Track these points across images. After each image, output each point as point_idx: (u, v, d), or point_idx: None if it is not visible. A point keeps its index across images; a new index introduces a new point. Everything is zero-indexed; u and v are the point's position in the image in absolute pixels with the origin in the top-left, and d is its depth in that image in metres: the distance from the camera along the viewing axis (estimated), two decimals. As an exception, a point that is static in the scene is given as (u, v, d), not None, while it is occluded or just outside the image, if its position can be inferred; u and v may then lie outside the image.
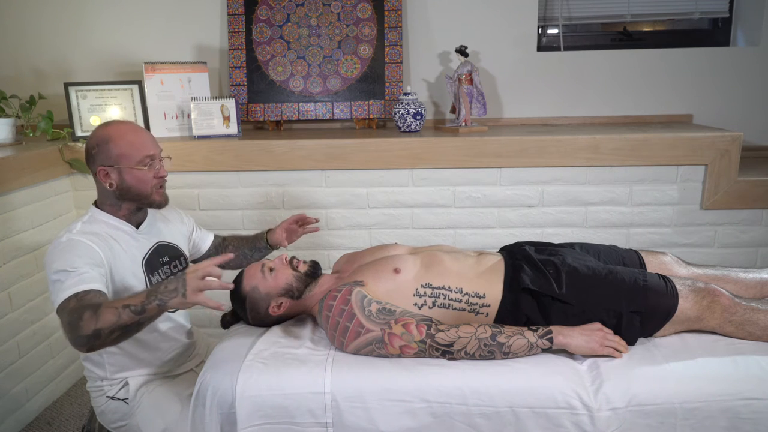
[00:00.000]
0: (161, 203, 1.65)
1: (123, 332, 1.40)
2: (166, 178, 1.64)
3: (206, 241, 1.94)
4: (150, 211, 1.72)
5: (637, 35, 2.94)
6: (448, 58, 2.76)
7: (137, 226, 1.66)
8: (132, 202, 1.61)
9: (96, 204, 1.64)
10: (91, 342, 1.38)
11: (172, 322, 1.72)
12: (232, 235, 2.05)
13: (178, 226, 1.82)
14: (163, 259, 1.71)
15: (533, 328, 1.46)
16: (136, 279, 1.61)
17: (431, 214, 2.46)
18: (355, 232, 2.49)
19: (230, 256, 1.41)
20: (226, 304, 1.50)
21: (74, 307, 1.39)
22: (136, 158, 1.57)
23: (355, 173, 2.43)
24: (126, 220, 1.63)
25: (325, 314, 1.50)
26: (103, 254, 1.52)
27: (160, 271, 1.69)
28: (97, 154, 1.57)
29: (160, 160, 1.62)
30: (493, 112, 2.78)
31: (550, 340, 1.43)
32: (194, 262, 1.93)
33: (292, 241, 1.96)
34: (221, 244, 1.99)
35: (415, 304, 1.51)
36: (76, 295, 1.42)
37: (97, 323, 1.35)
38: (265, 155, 2.40)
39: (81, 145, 2.42)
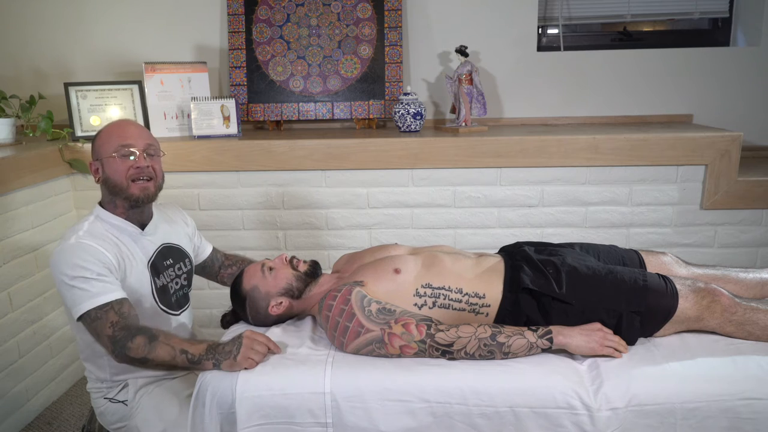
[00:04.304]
0: (139, 198, 1.58)
1: (167, 368, 1.48)
2: (152, 171, 1.58)
3: (204, 252, 1.92)
4: (155, 211, 1.71)
5: (637, 35, 2.94)
6: (448, 58, 2.76)
7: (142, 228, 1.65)
8: (117, 197, 1.58)
9: (100, 203, 1.64)
10: (135, 364, 1.45)
11: (176, 329, 1.71)
12: (236, 255, 1.99)
13: (182, 227, 1.81)
14: (168, 262, 1.70)
15: (533, 328, 1.46)
16: (141, 283, 1.61)
17: (431, 214, 2.46)
18: (355, 232, 2.49)
19: (280, 351, 1.48)
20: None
21: (118, 323, 1.44)
22: (111, 147, 1.56)
23: (355, 173, 2.43)
24: (128, 220, 1.62)
25: (324, 314, 1.49)
26: (113, 258, 1.53)
27: (164, 273, 1.68)
28: (91, 150, 1.61)
29: (143, 153, 1.57)
30: (493, 112, 2.78)
31: (550, 340, 1.43)
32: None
33: None
34: (222, 263, 1.94)
35: (415, 305, 1.51)
36: (110, 306, 1.45)
37: (149, 353, 1.42)
38: (265, 155, 2.40)
39: (81, 145, 2.43)
